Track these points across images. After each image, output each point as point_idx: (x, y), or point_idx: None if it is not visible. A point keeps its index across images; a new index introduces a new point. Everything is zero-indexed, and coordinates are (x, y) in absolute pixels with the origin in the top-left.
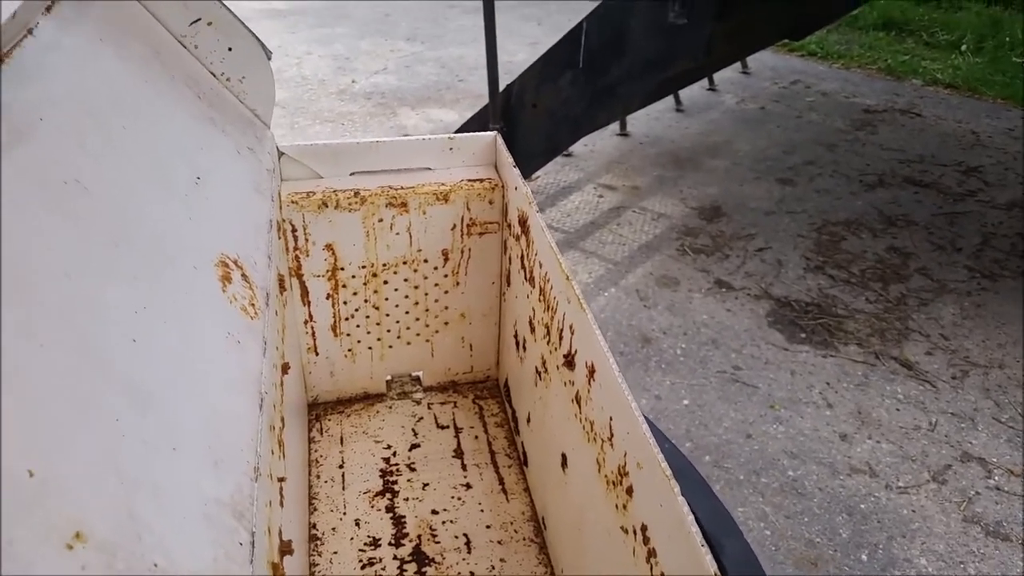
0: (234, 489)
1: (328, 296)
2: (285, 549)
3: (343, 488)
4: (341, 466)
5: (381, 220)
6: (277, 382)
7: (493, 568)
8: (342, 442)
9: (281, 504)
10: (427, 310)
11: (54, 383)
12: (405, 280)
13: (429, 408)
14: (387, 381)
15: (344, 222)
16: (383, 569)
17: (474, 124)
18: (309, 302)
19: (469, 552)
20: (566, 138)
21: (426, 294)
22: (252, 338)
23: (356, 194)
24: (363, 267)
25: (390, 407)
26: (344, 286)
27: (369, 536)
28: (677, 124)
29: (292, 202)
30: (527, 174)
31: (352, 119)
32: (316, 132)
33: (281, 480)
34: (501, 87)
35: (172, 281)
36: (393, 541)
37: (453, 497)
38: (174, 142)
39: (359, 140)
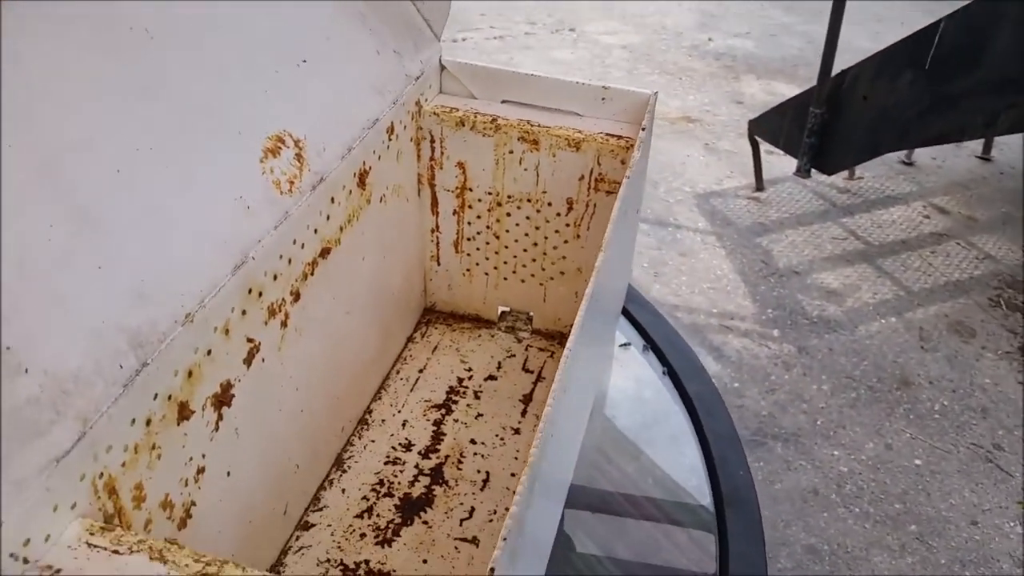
0: (145, 322)
1: (455, 212)
2: (220, 398)
3: (411, 389)
4: (421, 370)
5: (512, 152)
6: (305, 260)
7: (495, 513)
8: (434, 351)
9: (250, 363)
10: (545, 254)
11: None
12: (527, 218)
13: (526, 349)
14: (502, 312)
15: (477, 144)
16: (400, 470)
17: (795, 102)
18: (438, 213)
19: (482, 490)
20: (889, 141)
21: (546, 238)
22: (269, 210)
23: (493, 120)
24: (489, 193)
25: (492, 336)
26: (470, 207)
27: (407, 439)
28: None
29: (434, 114)
30: (840, 168)
31: (691, 76)
32: (651, 82)
33: (253, 341)
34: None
35: (200, 139)
36: (423, 452)
37: (497, 436)
38: (296, 23)
39: (516, 70)
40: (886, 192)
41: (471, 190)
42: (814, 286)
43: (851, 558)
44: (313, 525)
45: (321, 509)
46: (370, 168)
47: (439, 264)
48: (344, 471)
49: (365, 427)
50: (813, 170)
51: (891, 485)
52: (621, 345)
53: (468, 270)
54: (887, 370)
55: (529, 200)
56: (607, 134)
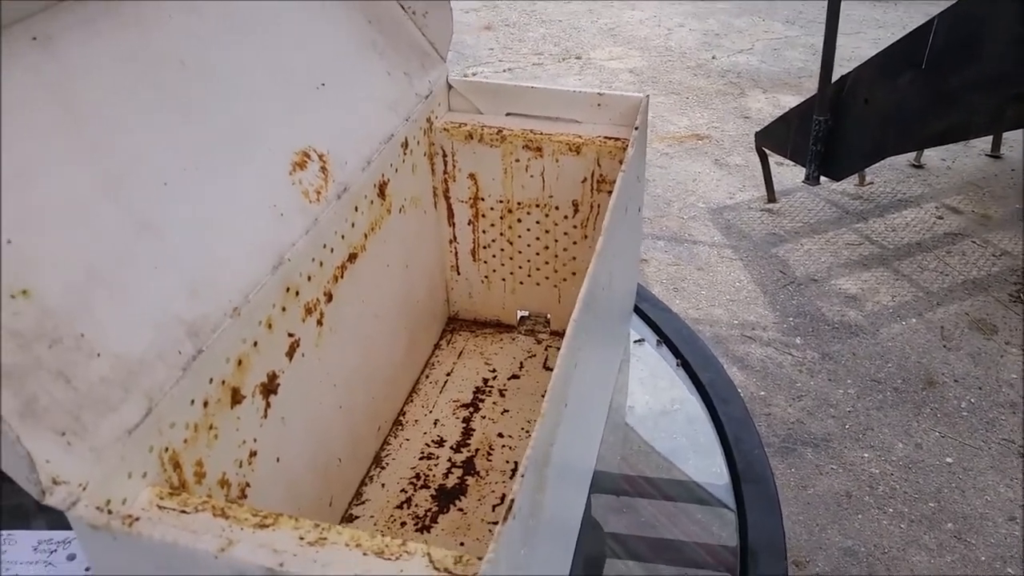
0: (199, 316)
1: (470, 222)
2: (267, 386)
3: (440, 391)
4: (449, 374)
5: (518, 160)
6: (335, 263)
7: None
8: (460, 355)
9: (291, 356)
10: (556, 256)
11: (51, 177)
12: (537, 222)
13: (545, 349)
14: (521, 317)
15: (486, 155)
16: (435, 464)
17: (798, 111)
18: (454, 224)
19: (511, 477)
20: (894, 143)
21: (556, 240)
22: (300, 216)
23: (499, 132)
24: (500, 201)
25: (513, 339)
26: (483, 216)
27: (439, 436)
28: None
29: (444, 130)
30: (848, 173)
31: (698, 95)
32: (659, 103)
33: (293, 336)
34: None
35: (236, 156)
36: (455, 446)
37: (522, 428)
38: (314, 51)
39: (517, 84)
40: (898, 195)
41: (483, 199)
42: (833, 292)
43: (889, 559)
44: (357, 517)
45: (363, 503)
46: (388, 180)
47: (459, 273)
48: (383, 468)
49: (400, 427)
50: (823, 177)
51: (924, 484)
52: (635, 341)
53: (486, 277)
54: (911, 371)
55: (537, 205)
56: (605, 137)
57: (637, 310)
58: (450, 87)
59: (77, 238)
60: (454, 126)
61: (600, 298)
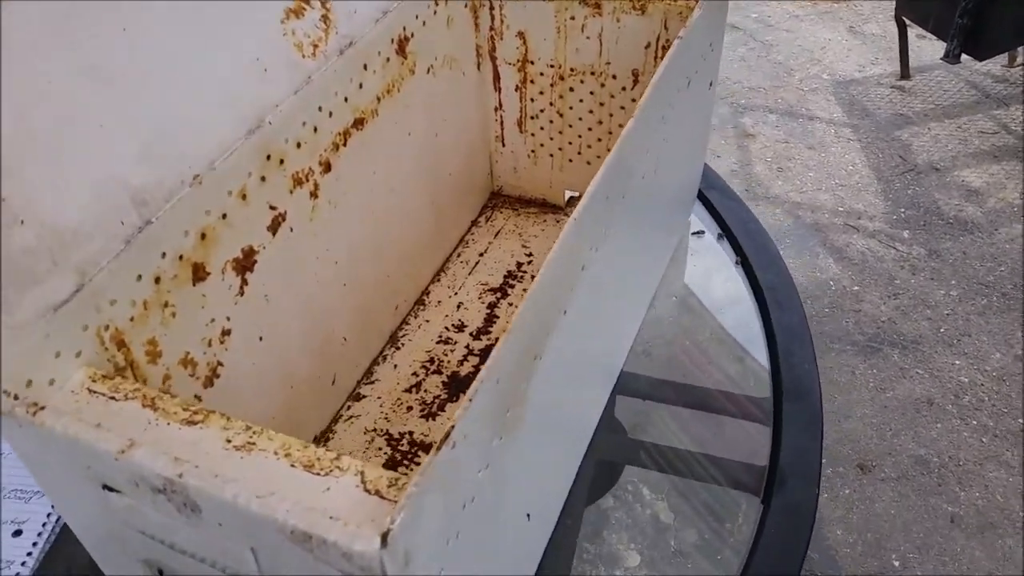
0: (150, 182)
1: (517, 88)
2: (242, 263)
3: (469, 273)
4: (482, 254)
5: (573, 18)
6: (335, 129)
7: None
8: (496, 235)
9: (275, 231)
10: (611, 133)
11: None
12: (591, 93)
13: None
14: (569, 197)
15: (537, 11)
16: (451, 349)
17: None
18: (500, 89)
19: None
20: None
21: (611, 115)
22: (289, 73)
23: None
24: (551, 66)
25: (558, 221)
26: (532, 81)
27: (460, 320)
28: None
29: None
30: (994, 52)
31: None
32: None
33: (276, 209)
34: None
35: None
36: (475, 333)
37: None
38: None
39: None
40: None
41: (532, 63)
42: (954, 184)
43: (963, 472)
44: (364, 396)
45: (373, 382)
46: (412, 35)
47: (504, 145)
48: (398, 348)
49: (421, 307)
50: (965, 56)
51: (1016, 399)
52: (694, 233)
53: (533, 151)
54: None
55: (593, 73)
56: None
57: (703, 198)
58: None
59: (7, 81)
60: None
61: (632, 187)
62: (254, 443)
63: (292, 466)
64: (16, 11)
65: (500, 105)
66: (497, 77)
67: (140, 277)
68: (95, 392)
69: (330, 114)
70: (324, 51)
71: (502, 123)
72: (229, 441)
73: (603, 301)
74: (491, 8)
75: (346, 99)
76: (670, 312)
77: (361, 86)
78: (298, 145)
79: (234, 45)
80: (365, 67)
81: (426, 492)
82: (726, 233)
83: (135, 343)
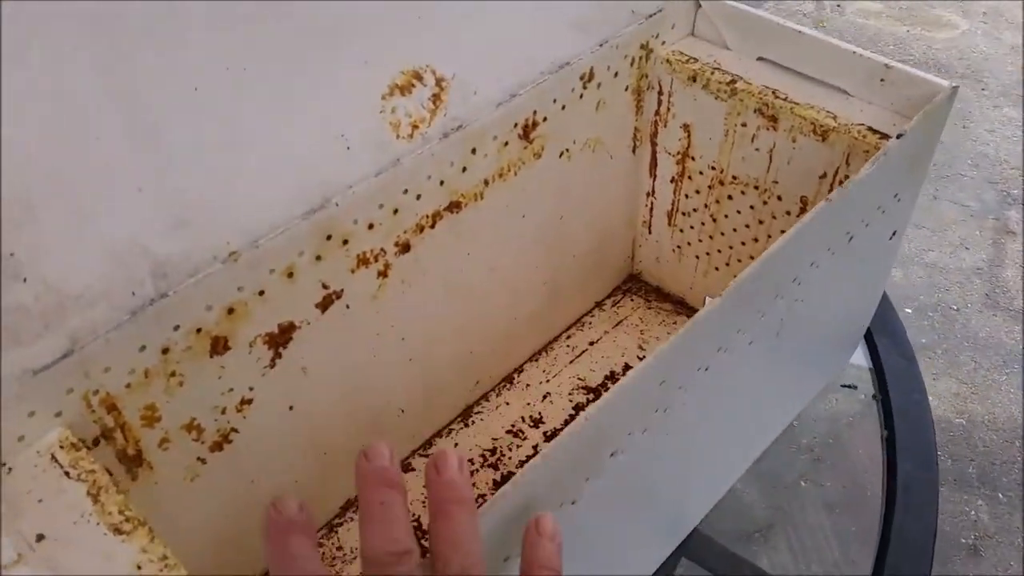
0: (175, 253)
1: (673, 180)
2: (277, 338)
3: (570, 361)
4: (592, 343)
5: (745, 125)
6: (421, 211)
7: None
8: (616, 325)
9: (325, 308)
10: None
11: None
12: (751, 207)
13: None
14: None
15: (707, 107)
16: (518, 444)
17: None
18: (655, 176)
19: None
20: None
21: (769, 236)
22: (373, 155)
23: (731, 83)
24: (712, 167)
25: None
26: (690, 178)
27: (540, 414)
28: None
29: (666, 60)
30: None
31: None
32: None
33: (330, 288)
34: None
35: (313, 64)
36: (549, 433)
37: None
38: None
39: (782, 21)
40: None
41: (693, 159)
42: None
43: None
44: (413, 470)
45: (428, 455)
46: (544, 119)
47: (650, 232)
48: (466, 425)
49: (508, 386)
50: None
51: None
52: (844, 386)
53: (679, 247)
54: None
55: (756, 187)
56: (868, 128)
57: (868, 340)
58: (699, 5)
59: (54, 128)
60: (680, 60)
61: (768, 314)
62: None
63: None
64: (68, 58)
65: (653, 191)
66: (655, 164)
67: (144, 348)
68: (56, 461)
69: (418, 196)
70: (424, 132)
71: (652, 210)
72: (139, 567)
73: (698, 440)
74: (660, 93)
75: (442, 183)
76: (778, 461)
77: (464, 170)
78: (370, 226)
79: (319, 118)
80: (474, 151)
81: None
82: (883, 397)
83: (129, 408)
